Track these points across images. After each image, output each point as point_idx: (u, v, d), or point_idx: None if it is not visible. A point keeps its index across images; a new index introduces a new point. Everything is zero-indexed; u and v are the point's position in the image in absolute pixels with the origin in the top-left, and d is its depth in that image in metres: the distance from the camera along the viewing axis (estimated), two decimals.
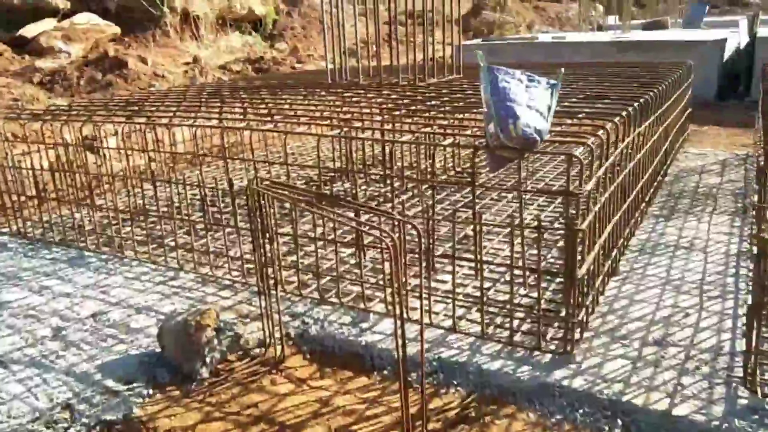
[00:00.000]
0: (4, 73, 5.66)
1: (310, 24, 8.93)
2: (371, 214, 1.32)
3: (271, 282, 1.67)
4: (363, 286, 1.84)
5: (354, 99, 2.54)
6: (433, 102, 2.29)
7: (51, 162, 2.49)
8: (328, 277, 2.04)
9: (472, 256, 2.11)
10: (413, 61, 3.07)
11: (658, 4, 11.50)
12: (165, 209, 2.71)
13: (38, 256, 2.50)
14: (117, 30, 7.09)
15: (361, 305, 1.86)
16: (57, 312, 1.98)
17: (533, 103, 1.46)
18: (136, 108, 2.63)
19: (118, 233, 2.41)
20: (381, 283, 2.01)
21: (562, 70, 1.54)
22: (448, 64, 3.24)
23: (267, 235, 1.63)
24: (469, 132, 1.68)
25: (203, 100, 2.85)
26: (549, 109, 1.48)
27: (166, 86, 5.33)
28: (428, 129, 1.78)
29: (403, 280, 1.27)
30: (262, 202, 1.59)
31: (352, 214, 1.79)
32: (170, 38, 7.08)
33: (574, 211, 1.46)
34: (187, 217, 2.22)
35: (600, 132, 1.65)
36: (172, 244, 2.31)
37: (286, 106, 2.41)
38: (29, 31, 6.51)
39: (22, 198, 2.67)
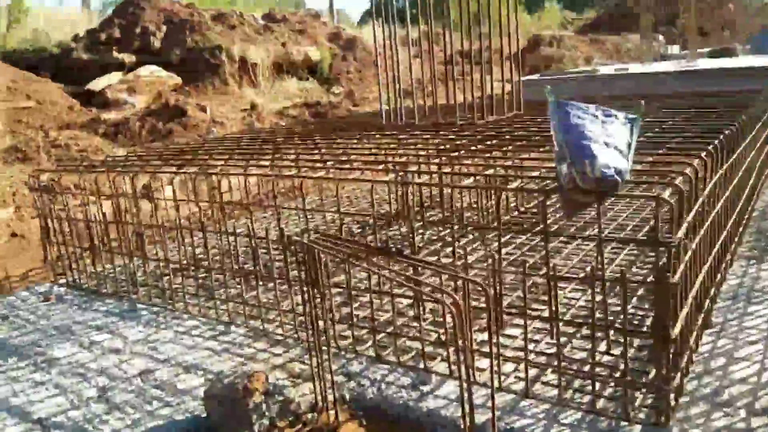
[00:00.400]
0: (73, 126, 5.88)
1: (365, 67, 9.01)
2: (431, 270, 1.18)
3: (323, 338, 1.54)
4: (423, 344, 1.68)
5: (409, 141, 2.42)
6: (494, 141, 2.14)
7: (104, 213, 2.47)
8: (385, 333, 1.89)
9: (543, 307, 1.92)
10: (470, 100, 2.95)
11: (723, 31, 11.09)
12: (216, 260, 2.65)
13: (91, 309, 2.45)
14: (178, 80, 7.32)
15: (422, 365, 1.70)
16: (105, 370, 1.91)
17: (611, 140, 1.29)
18: (189, 157, 2.59)
19: (169, 285, 2.35)
20: (443, 338, 1.84)
21: (642, 102, 1.37)
22: (507, 100, 3.10)
23: (318, 289, 1.51)
24: (536, 173, 1.52)
25: (257, 146, 2.80)
26: (629, 146, 1.32)
27: (224, 132, 5.40)
28: (490, 171, 1.64)
29: (469, 343, 1.11)
30: (313, 254, 1.47)
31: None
32: (228, 86, 7.25)
33: (664, 262, 1.27)
34: (237, 269, 2.13)
35: (687, 170, 1.47)
36: (223, 296, 2.22)
37: (340, 151, 2.32)
38: (97, 84, 6.78)
39: (78, 249, 2.65)
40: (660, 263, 1.26)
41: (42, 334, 2.24)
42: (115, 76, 7.02)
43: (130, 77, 6.90)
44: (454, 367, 1.64)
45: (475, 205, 3.13)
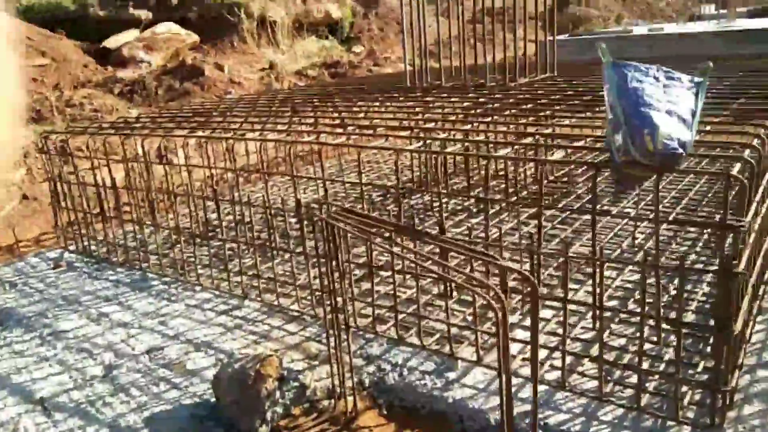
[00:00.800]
0: (88, 85, 5.75)
1: (387, 26, 8.72)
2: (465, 254, 1.03)
3: (341, 317, 1.42)
4: (449, 327, 1.55)
5: (436, 104, 2.25)
6: (528, 106, 1.97)
7: (113, 178, 2.35)
8: (408, 311, 1.76)
9: (576, 287, 1.78)
10: (499, 60, 2.75)
11: None
12: (230, 229, 2.53)
13: (102, 278, 2.36)
14: (196, 38, 7.12)
15: (447, 348, 1.57)
16: (112, 346, 1.81)
17: (674, 107, 1.12)
18: (203, 119, 2.45)
19: (180, 255, 2.24)
20: (470, 319, 1.71)
21: (710, 63, 1.19)
22: (540, 62, 2.90)
23: (337, 264, 1.38)
24: (582, 143, 1.36)
25: (273, 108, 2.65)
26: (693, 114, 1.15)
27: (242, 93, 5.24)
28: (528, 139, 1.48)
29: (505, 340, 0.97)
30: (333, 229, 1.33)
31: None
32: (247, 45, 7.05)
33: (730, 248, 1.11)
34: (252, 240, 2.00)
35: (755, 141, 1.29)
36: (237, 268, 2.10)
37: (361, 115, 2.16)
38: (112, 42, 6.63)
39: (88, 215, 2.55)
40: (725, 249, 1.10)
41: (50, 303, 2.15)
42: (131, 34, 6.84)
43: (147, 34, 6.72)
44: (482, 353, 1.51)
45: (502, 173, 2.96)
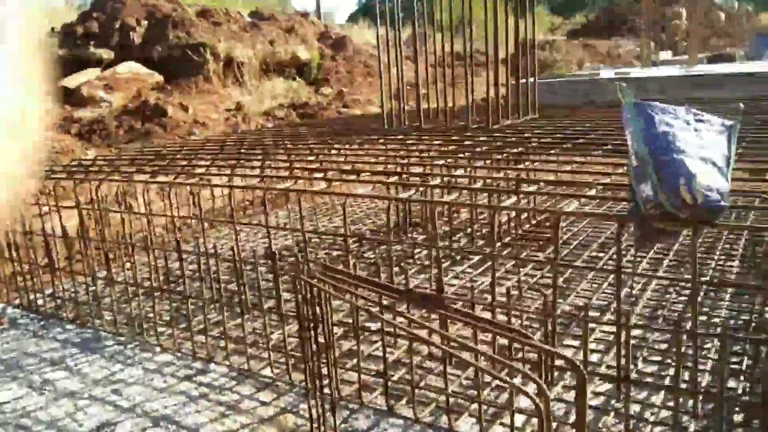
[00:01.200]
0: (49, 125, 5.50)
1: (355, 68, 8.69)
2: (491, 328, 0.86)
3: (323, 387, 1.23)
4: (447, 398, 1.37)
5: (420, 147, 2.12)
6: (519, 149, 1.84)
7: (64, 226, 2.13)
8: (399, 375, 1.58)
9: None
10: (474, 102, 2.65)
11: (719, 38, 10.94)
12: (193, 281, 2.32)
13: (48, 337, 2.11)
14: (159, 78, 6.94)
15: (444, 420, 1.39)
16: (55, 421, 1.57)
17: (707, 153, 1.00)
18: (165, 162, 2.27)
19: (138, 311, 2.01)
20: (470, 386, 1.54)
21: (741, 105, 1.08)
22: (522, 104, 2.81)
23: (319, 330, 1.20)
24: (592, 192, 1.22)
25: (243, 150, 2.48)
26: (728, 161, 1.02)
27: (208, 134, 5.06)
28: (533, 187, 1.34)
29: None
30: (314, 291, 1.16)
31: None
32: (213, 85, 6.89)
33: None
34: (218, 295, 1.80)
35: None
36: (201, 326, 1.89)
37: (340, 159, 2.00)
38: (72, 81, 6.39)
39: (34, 267, 2.31)
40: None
41: None
42: (91, 73, 6.63)
43: (108, 74, 6.52)
44: (485, 426, 1.33)
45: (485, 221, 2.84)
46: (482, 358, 1.28)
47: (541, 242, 2.60)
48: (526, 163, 1.64)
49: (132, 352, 1.93)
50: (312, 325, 1.18)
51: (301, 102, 6.95)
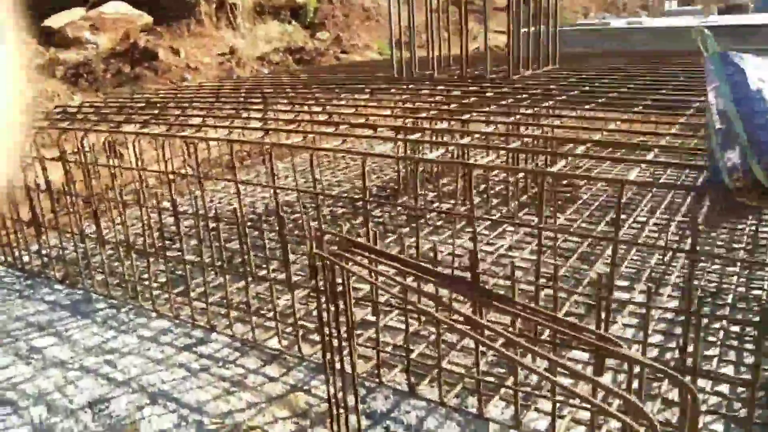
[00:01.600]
0: (28, 67, 5.22)
1: (352, 12, 8.33)
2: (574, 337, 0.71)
3: (338, 359, 1.10)
4: (479, 383, 1.24)
5: (437, 99, 1.94)
6: (549, 102, 1.67)
7: (48, 180, 1.96)
8: (421, 349, 1.45)
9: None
10: (500, 50, 2.45)
11: None
12: (191, 238, 2.17)
13: (35, 297, 1.97)
14: (149, 20, 6.60)
15: (473, 403, 1.27)
16: (43, 395, 1.44)
17: None
18: (157, 110, 2.08)
19: (131, 274, 1.87)
20: (495, 362, 1.42)
21: None
22: (542, 53, 2.61)
23: (338, 308, 1.06)
24: (650, 156, 1.06)
25: (241, 99, 2.29)
26: None
27: (200, 79, 4.81)
28: (580, 148, 1.18)
29: None
30: (335, 268, 1.01)
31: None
32: (205, 27, 6.57)
33: None
34: (218, 257, 1.65)
35: None
36: (201, 289, 1.75)
37: (350, 110, 1.82)
38: (56, 21, 6.05)
39: (18, 223, 2.15)
40: None
41: None
42: (76, 13, 6.28)
43: (94, 14, 6.17)
44: (520, 413, 1.21)
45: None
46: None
47: (559, 201, 2.45)
48: (563, 119, 1.47)
49: (126, 317, 1.79)
50: (330, 301, 1.04)
51: (297, 47, 6.66)
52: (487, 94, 1.91)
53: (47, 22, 6.06)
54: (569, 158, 1.11)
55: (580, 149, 1.18)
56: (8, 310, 1.90)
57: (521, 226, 2.13)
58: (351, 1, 8.65)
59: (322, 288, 1.02)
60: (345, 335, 1.06)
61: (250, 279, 1.59)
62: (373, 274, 0.96)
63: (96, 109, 2.24)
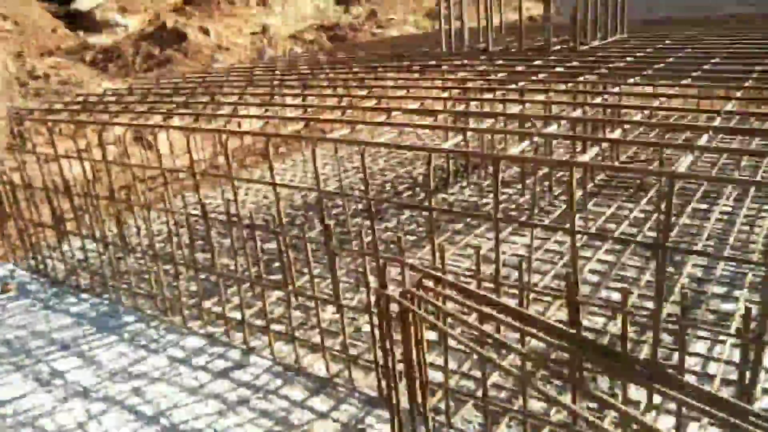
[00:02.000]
0: (57, 52, 5.09)
1: None
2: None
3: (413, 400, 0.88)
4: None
5: (499, 77, 1.68)
6: (636, 79, 1.40)
7: (65, 179, 1.77)
8: (500, 402, 1.22)
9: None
10: (564, 19, 2.17)
11: None
12: (223, 240, 1.98)
13: (60, 308, 1.81)
14: None
15: None
16: None
17: None
18: (183, 98, 1.87)
19: (158, 285, 1.68)
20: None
21: None
22: (610, 21, 2.31)
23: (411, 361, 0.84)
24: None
25: (276, 82, 2.06)
26: None
27: (231, 60, 4.61)
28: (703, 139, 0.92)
29: None
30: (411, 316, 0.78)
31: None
32: (235, 6, 6.35)
33: None
34: (255, 270, 1.44)
35: None
36: (236, 303, 1.55)
37: (399, 91, 1.58)
38: (84, 4, 5.92)
39: (38, 226, 1.98)
40: None
41: None
42: None
43: None
44: None
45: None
46: None
47: (631, 188, 2.18)
48: (661, 100, 1.21)
49: (156, 333, 1.61)
50: (401, 352, 0.82)
51: (332, 23, 6.40)
52: (557, 69, 1.65)
53: (75, 5, 5.93)
54: (695, 152, 0.86)
55: (704, 138, 0.92)
56: (31, 323, 1.74)
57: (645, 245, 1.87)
58: None
59: (388, 332, 0.79)
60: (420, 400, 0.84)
61: (290, 290, 1.38)
62: (458, 324, 0.73)
63: (118, 98, 2.05)
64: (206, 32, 5.06)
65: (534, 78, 1.53)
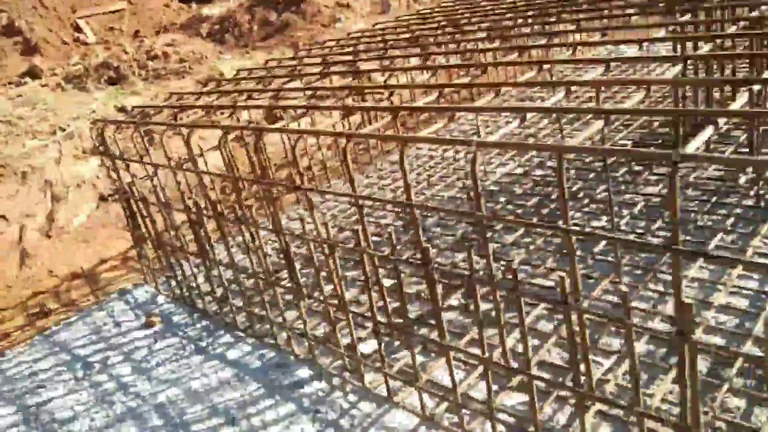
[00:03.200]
0: (171, 28, 4.86)
1: None
2: None
3: None
4: None
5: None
6: None
7: (164, 194, 1.39)
8: None
9: None
10: None
11: None
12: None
13: (214, 353, 1.47)
14: None
15: None
16: None
17: None
18: (317, 75, 1.42)
19: (337, 339, 1.26)
20: None
21: None
22: None
23: None
24: None
25: (427, 40, 1.56)
26: None
27: (354, 19, 4.14)
28: None
29: None
30: None
31: None
32: None
33: None
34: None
35: None
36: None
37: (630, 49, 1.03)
38: None
39: (177, 251, 1.64)
40: None
41: (136, 422, 1.28)
42: None
43: None
44: None
45: None
46: None
47: None
48: None
49: (344, 404, 1.21)
50: None
51: None
52: None
53: None
54: None
55: None
56: (184, 378, 1.40)
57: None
58: None
59: None
60: None
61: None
62: None
63: (235, 84, 1.63)
64: None
65: None
